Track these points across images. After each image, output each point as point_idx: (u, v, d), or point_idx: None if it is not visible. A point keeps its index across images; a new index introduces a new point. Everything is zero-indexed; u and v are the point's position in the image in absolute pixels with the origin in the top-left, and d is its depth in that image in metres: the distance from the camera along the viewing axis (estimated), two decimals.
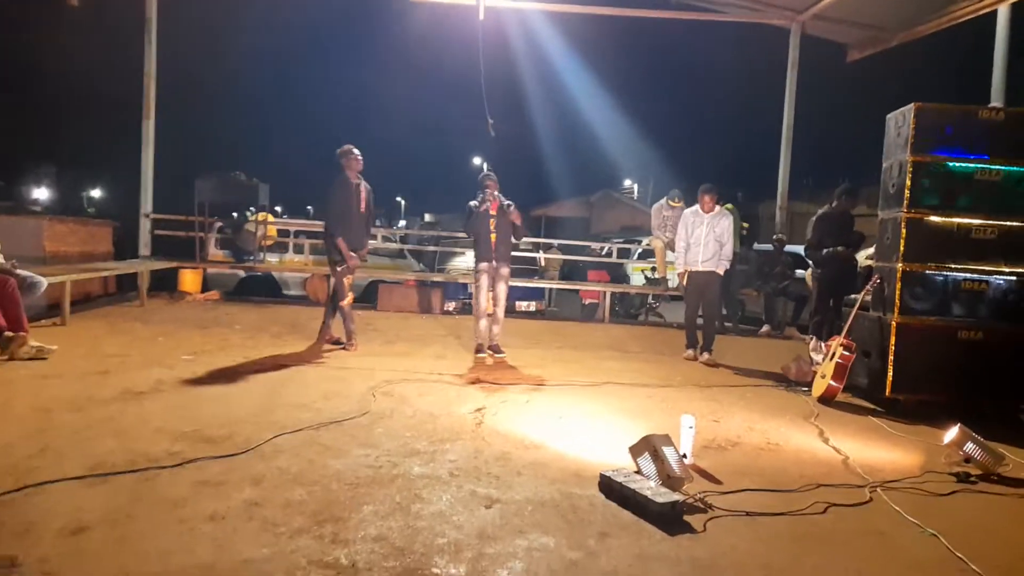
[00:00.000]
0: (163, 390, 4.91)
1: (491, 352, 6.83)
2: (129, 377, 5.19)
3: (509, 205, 6.81)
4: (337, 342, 7.03)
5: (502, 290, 6.88)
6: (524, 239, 9.37)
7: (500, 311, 6.92)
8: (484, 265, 6.79)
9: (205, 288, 10.89)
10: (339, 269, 6.87)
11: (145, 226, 11.09)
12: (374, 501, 3.13)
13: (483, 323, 6.79)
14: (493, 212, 6.75)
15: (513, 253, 12.56)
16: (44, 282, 6.14)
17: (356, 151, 6.85)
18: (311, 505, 3.05)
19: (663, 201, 10.69)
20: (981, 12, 9.19)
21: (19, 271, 5.93)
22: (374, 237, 13.96)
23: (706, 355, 7.35)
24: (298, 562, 2.54)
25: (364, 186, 6.94)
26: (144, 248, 11.07)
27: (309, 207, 36.78)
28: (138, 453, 3.55)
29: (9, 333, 5.53)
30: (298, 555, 2.59)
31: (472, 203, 6.82)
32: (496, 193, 6.78)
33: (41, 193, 41.91)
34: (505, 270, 6.89)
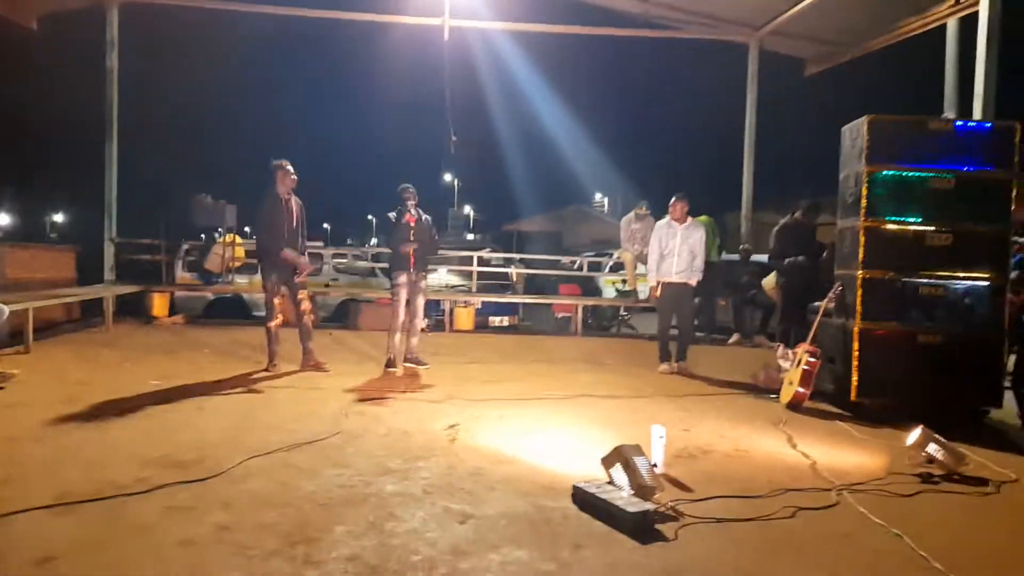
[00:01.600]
0: (131, 417, 4.84)
1: (414, 364, 6.90)
2: (96, 405, 5.10)
3: (427, 219, 6.95)
4: (318, 367, 6.77)
5: (420, 303, 6.98)
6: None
7: (418, 322, 6.99)
8: (403, 277, 6.79)
9: (173, 312, 10.75)
10: (269, 286, 6.69)
11: (110, 250, 10.93)
12: (347, 521, 3.12)
13: (397, 337, 6.82)
14: (412, 224, 6.82)
15: (486, 268, 12.70)
16: (6, 310, 6.03)
17: (290, 167, 6.71)
18: (283, 527, 3.03)
19: (631, 214, 10.85)
20: (929, 27, 9.49)
21: None
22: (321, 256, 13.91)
23: (680, 364, 7.40)
24: None
25: (295, 201, 6.80)
26: (109, 273, 10.90)
27: None
28: (106, 481, 3.49)
29: None
30: None
31: (391, 214, 6.92)
32: (413, 205, 6.85)
33: (2, 219, 41.01)
34: (423, 283, 7.00)
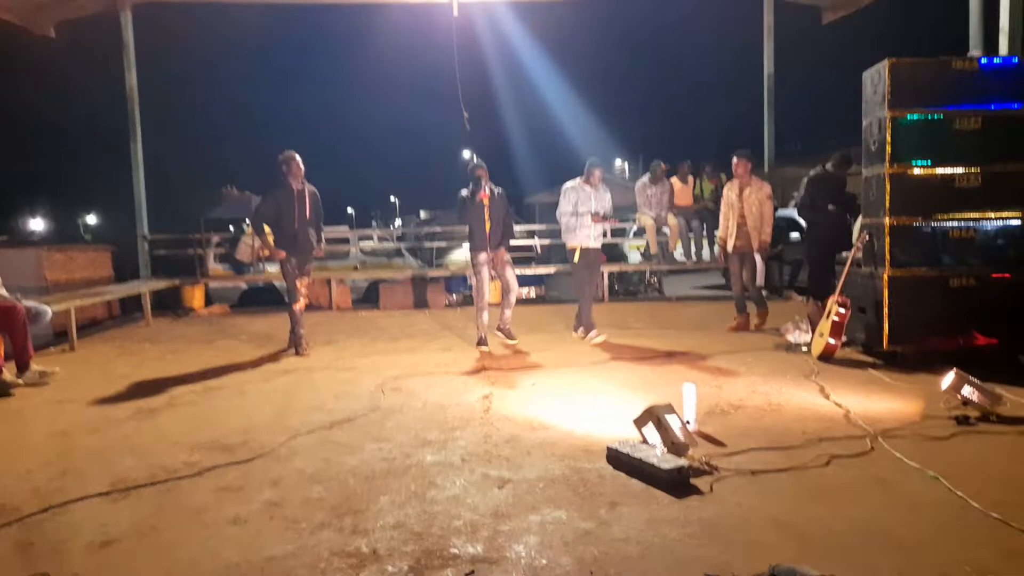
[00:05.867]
0: (176, 405, 5.01)
1: (504, 336, 6.93)
2: (143, 396, 5.28)
3: (500, 193, 6.89)
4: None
5: (510, 274, 6.92)
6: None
7: (512, 296, 6.96)
8: (483, 256, 6.80)
9: (208, 303, 10.99)
10: (288, 269, 6.78)
11: (144, 247, 11.18)
12: (390, 491, 3.22)
13: (485, 315, 6.83)
14: (485, 201, 6.78)
15: (512, 242, 12.67)
16: (49, 311, 6.22)
17: (297, 157, 6.71)
18: (330, 501, 3.15)
19: (644, 178, 10.80)
20: None
21: (24, 302, 6.01)
22: (352, 239, 14.03)
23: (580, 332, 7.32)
24: (321, 554, 2.64)
25: (309, 190, 6.84)
26: (144, 269, 11.16)
27: None
28: (157, 466, 3.64)
29: (7, 376, 5.56)
30: (320, 548, 2.69)
31: (463, 192, 6.85)
32: (487, 182, 6.81)
33: (37, 224, 41.99)
34: (506, 255, 6.93)
